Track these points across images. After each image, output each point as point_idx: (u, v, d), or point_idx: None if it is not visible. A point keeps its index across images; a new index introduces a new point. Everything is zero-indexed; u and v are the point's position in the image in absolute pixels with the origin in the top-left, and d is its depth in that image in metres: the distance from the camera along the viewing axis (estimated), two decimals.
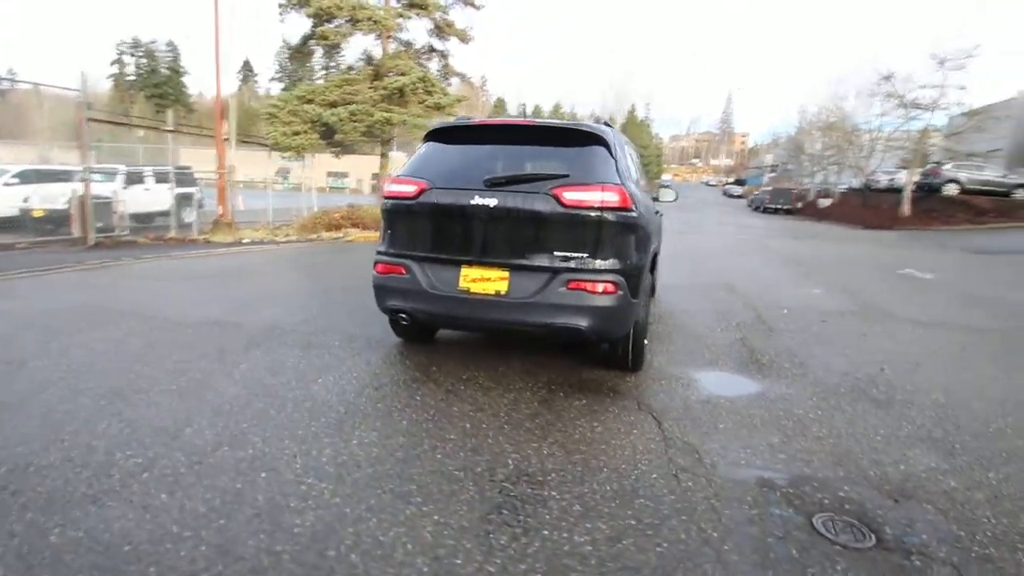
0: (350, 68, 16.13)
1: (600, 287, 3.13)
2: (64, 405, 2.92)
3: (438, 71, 16.44)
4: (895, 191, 27.81)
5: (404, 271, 3.42)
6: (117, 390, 3.14)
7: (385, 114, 13.52)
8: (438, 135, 3.68)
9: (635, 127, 72.26)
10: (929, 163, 24.74)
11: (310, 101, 14.20)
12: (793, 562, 1.90)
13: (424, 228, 3.40)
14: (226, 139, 12.83)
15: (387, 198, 3.52)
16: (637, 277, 3.30)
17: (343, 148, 16.33)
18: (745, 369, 3.99)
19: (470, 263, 3.30)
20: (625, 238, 3.21)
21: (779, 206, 34.09)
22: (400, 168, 3.66)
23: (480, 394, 3.29)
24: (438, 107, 14.39)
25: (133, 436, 2.60)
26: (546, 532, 2.01)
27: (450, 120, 3.84)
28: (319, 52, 16.52)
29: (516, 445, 2.68)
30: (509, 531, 2.00)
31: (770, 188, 37.24)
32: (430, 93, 14.35)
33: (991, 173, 23.50)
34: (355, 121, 13.99)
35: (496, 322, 3.35)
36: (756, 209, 35.92)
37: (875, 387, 3.68)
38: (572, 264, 3.16)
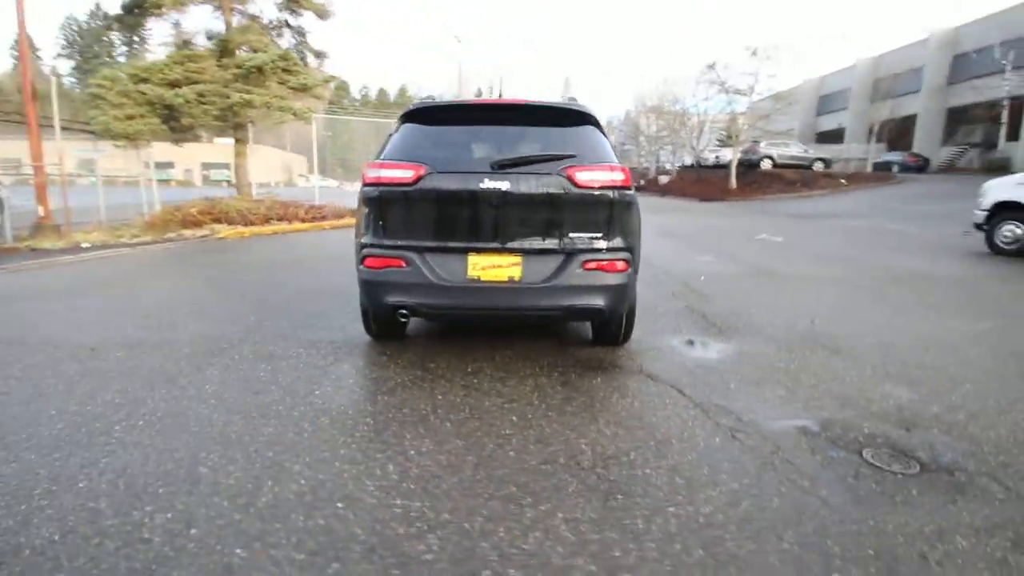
0: (187, 43, 14.15)
1: (616, 265, 3.17)
2: (12, 472, 2.26)
3: (292, 48, 15.08)
4: (722, 167, 31.60)
5: (404, 263, 3.15)
6: (70, 438, 2.50)
7: (244, 95, 12.10)
8: (416, 116, 3.41)
9: None
10: (747, 142, 28.42)
11: (145, 80, 12.21)
12: (879, 495, 2.13)
13: (425, 215, 3.16)
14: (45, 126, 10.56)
15: (374, 184, 3.18)
16: (638, 252, 3.40)
17: (187, 134, 14.36)
18: (710, 332, 4.32)
19: (479, 250, 3.14)
20: (629, 215, 3.28)
21: None
22: (384, 151, 3.33)
23: (500, 384, 3.17)
24: (304, 88, 13.24)
25: (138, 488, 2.10)
26: (671, 508, 2.02)
27: (430, 100, 3.56)
28: (141, 25, 14.25)
29: (575, 430, 2.64)
30: (640, 514, 1.98)
31: None
32: (291, 72, 13.13)
33: (796, 149, 27.84)
34: (204, 103, 12.34)
35: (511, 309, 3.24)
36: None
37: (820, 337, 4.21)
38: (587, 244, 3.16)
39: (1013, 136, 27.46)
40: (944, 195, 20.45)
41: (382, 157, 3.27)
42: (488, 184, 3.07)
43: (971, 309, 5.28)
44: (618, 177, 3.18)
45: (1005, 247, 8.92)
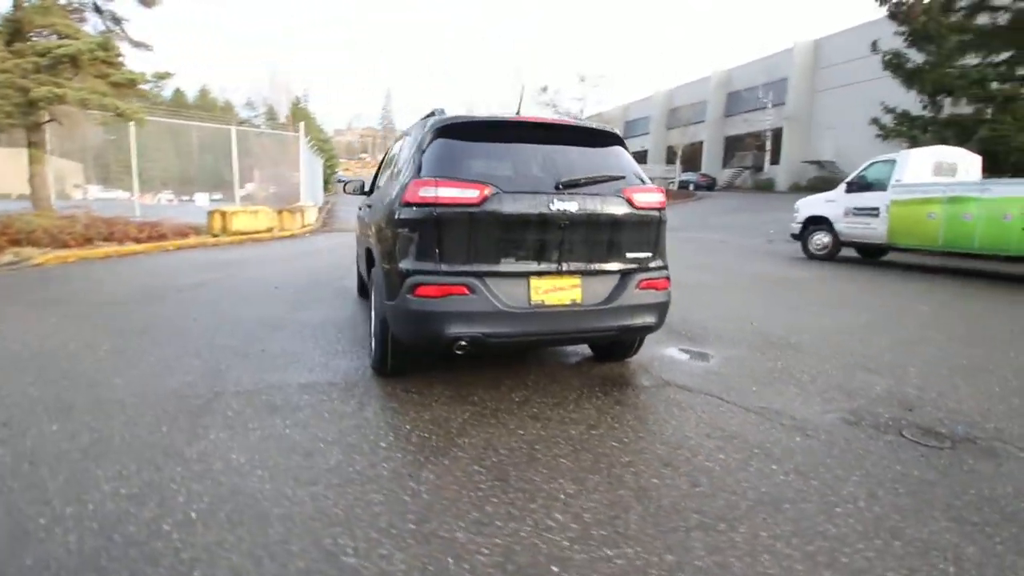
0: None
1: (663, 283, 3.29)
2: None
3: (101, 33, 12.67)
4: None
5: (468, 290, 2.89)
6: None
7: (54, 89, 9.82)
8: (451, 131, 3.16)
9: (304, 119, 68.66)
10: None
11: None
12: (938, 468, 2.53)
13: (489, 238, 2.94)
14: None
15: (428, 204, 2.88)
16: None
17: None
18: (693, 341, 4.64)
19: (540, 273, 3.02)
20: (664, 235, 3.43)
21: None
22: (425, 167, 3.01)
23: (561, 411, 3.08)
24: (131, 82, 11.18)
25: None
26: (819, 494, 2.18)
27: (459, 115, 3.29)
28: None
29: (654, 447, 2.67)
30: (801, 497, 2.10)
31: None
32: (113, 64, 11.02)
33: None
34: None
35: (572, 332, 3.17)
36: None
37: (770, 337, 4.80)
38: (640, 264, 3.24)
39: (775, 160, 34.03)
40: (736, 209, 24.52)
41: (425, 174, 2.98)
42: (557, 205, 2.98)
43: (843, 304, 6.46)
44: (662, 198, 3.31)
45: (816, 253, 11.06)
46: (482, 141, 3.18)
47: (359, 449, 2.59)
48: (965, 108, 14.42)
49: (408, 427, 2.86)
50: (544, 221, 2.98)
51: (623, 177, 3.25)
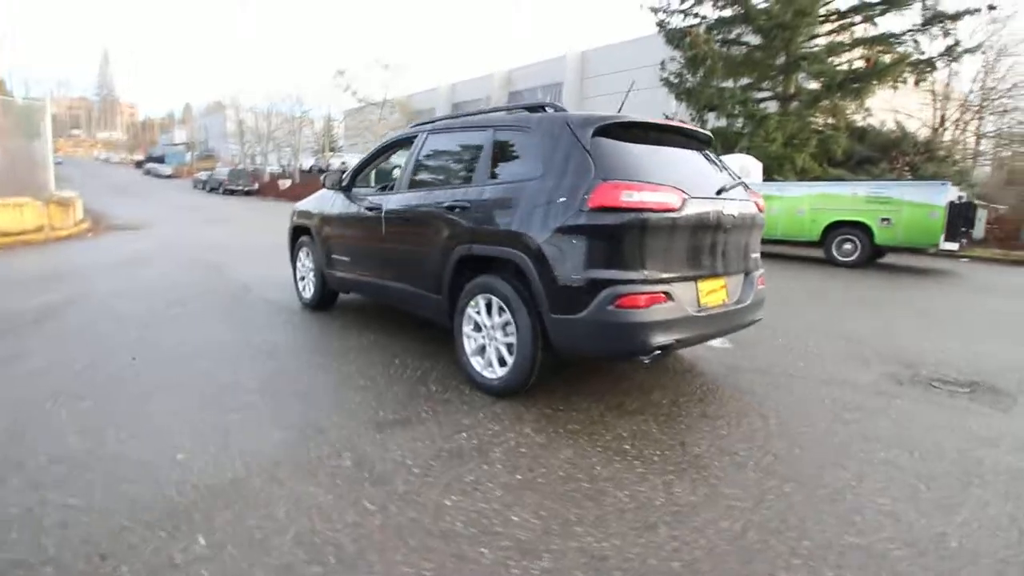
0: None
1: (764, 279, 3.58)
2: None
3: None
4: None
5: (666, 298, 2.76)
6: None
7: None
8: (610, 132, 2.93)
9: None
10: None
11: None
12: (967, 410, 3.31)
13: (681, 244, 2.85)
14: None
15: (635, 210, 2.66)
16: None
17: None
18: None
19: (704, 276, 3.04)
20: None
21: (239, 187, 33.60)
22: (607, 169, 2.72)
23: (671, 421, 3.18)
24: None
25: None
26: (896, 445, 2.74)
27: (613, 115, 3.01)
28: None
29: (734, 434, 2.90)
30: (889, 445, 2.63)
31: (228, 169, 35.88)
32: None
33: None
34: None
35: (722, 332, 3.24)
36: (212, 190, 34.14)
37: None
38: (755, 263, 3.46)
39: None
40: None
41: (614, 177, 2.73)
42: (728, 210, 3.02)
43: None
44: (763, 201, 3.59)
45: None
46: (634, 143, 3.02)
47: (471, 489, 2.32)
48: (721, 122, 17.96)
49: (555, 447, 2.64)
50: (717, 225, 3.01)
51: (744, 181, 3.44)
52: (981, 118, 19.97)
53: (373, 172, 4.96)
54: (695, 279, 2.99)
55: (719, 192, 3.12)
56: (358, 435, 2.69)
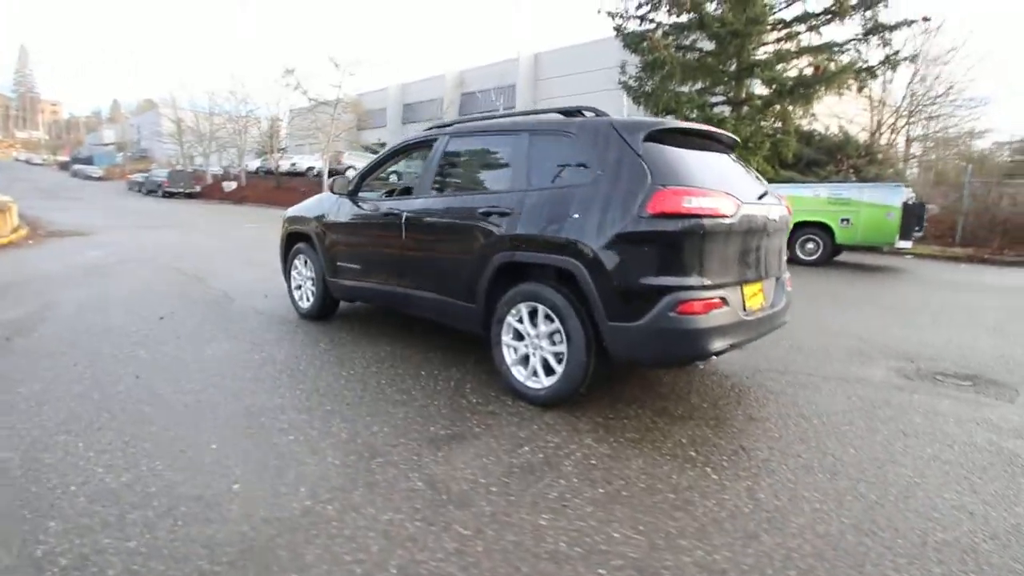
0: None
1: (790, 281, 3.67)
2: None
3: None
4: (299, 174, 31.31)
5: (722, 303, 2.78)
6: None
7: None
8: (659, 137, 2.93)
9: None
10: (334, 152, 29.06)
11: None
12: (979, 402, 3.52)
13: (733, 249, 2.87)
14: None
15: (695, 216, 2.66)
16: None
17: None
18: None
19: (747, 281, 3.07)
20: None
21: (180, 189, 32.00)
22: (666, 175, 2.70)
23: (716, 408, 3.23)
24: None
25: None
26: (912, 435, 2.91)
27: (660, 120, 3.00)
28: None
29: (787, 436, 3.06)
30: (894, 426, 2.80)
31: (166, 170, 34.03)
32: None
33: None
34: None
35: (761, 335, 3.28)
36: (150, 193, 32.37)
37: None
38: (783, 267, 3.53)
39: None
40: None
41: (670, 183, 2.72)
42: (771, 215, 3.07)
43: None
44: None
45: None
46: (679, 148, 3.03)
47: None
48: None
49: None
50: (764, 230, 3.05)
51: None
52: (911, 123, 21.40)
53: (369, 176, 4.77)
54: (741, 284, 3.03)
55: (760, 197, 3.18)
56: (418, 454, 2.57)
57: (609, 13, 18.76)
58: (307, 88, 25.37)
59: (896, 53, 15.54)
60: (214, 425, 2.81)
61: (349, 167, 28.84)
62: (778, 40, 17.27)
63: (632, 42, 18.39)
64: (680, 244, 2.70)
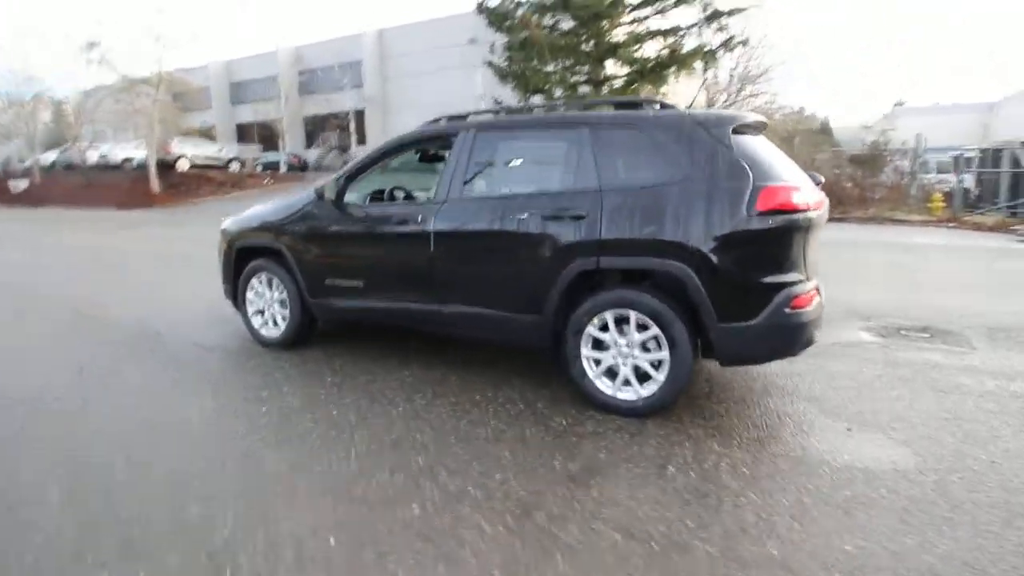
0: None
1: None
2: None
3: None
4: (114, 167, 26.77)
5: (817, 293, 2.90)
6: None
7: None
8: (743, 130, 2.92)
9: None
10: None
11: None
12: (952, 352, 4.10)
13: (814, 240, 2.94)
14: None
15: (800, 211, 2.67)
16: None
17: None
18: None
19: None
20: None
21: None
22: (763, 171, 2.66)
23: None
24: None
25: None
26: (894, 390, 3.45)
27: (742, 113, 2.91)
28: None
29: (870, 410, 3.46)
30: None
31: None
32: None
33: (212, 149, 26.63)
34: None
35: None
36: None
37: None
38: None
39: (361, 141, 35.62)
40: None
41: (770, 178, 2.68)
42: (826, 204, 3.17)
43: None
44: None
45: None
46: (752, 137, 2.99)
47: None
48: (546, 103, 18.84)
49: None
50: (824, 220, 3.15)
51: None
52: (736, 101, 24.26)
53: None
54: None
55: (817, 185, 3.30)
56: (573, 498, 2.30)
57: None
58: (116, 65, 21.34)
59: (733, 37, 17.39)
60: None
61: (180, 156, 25.16)
62: (633, 22, 18.33)
63: (496, 20, 18.28)
64: (789, 239, 2.72)
